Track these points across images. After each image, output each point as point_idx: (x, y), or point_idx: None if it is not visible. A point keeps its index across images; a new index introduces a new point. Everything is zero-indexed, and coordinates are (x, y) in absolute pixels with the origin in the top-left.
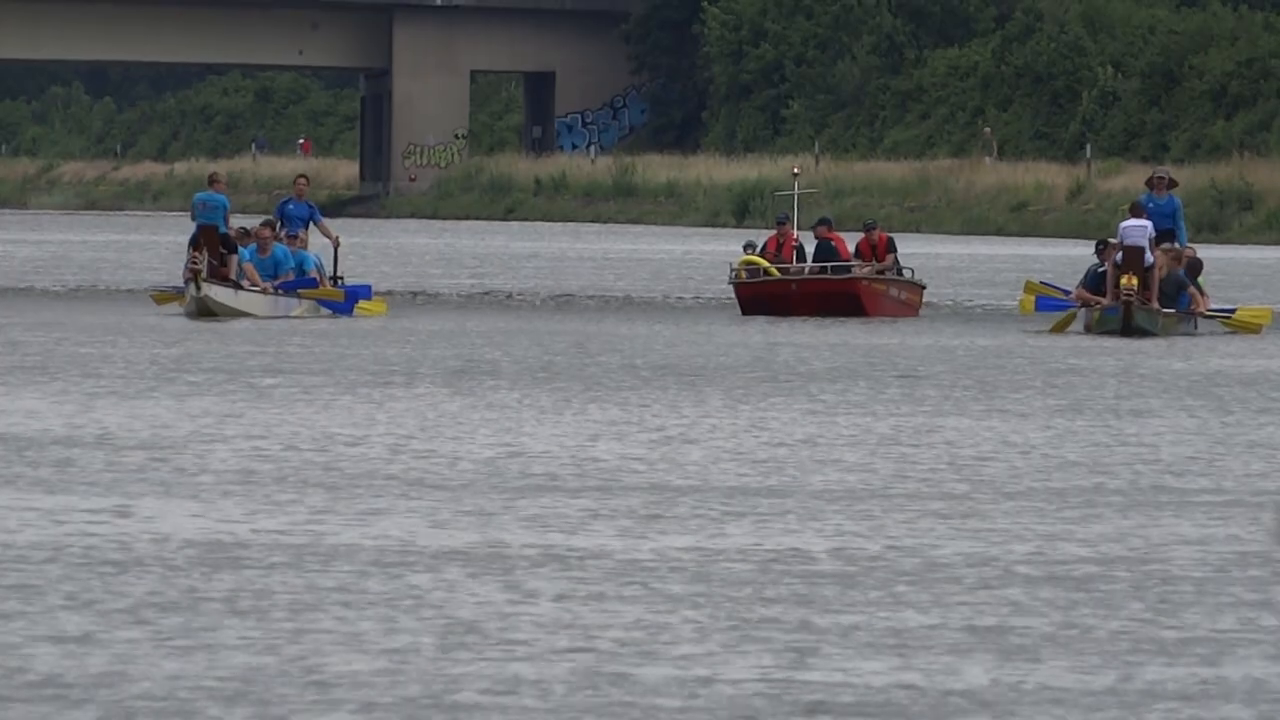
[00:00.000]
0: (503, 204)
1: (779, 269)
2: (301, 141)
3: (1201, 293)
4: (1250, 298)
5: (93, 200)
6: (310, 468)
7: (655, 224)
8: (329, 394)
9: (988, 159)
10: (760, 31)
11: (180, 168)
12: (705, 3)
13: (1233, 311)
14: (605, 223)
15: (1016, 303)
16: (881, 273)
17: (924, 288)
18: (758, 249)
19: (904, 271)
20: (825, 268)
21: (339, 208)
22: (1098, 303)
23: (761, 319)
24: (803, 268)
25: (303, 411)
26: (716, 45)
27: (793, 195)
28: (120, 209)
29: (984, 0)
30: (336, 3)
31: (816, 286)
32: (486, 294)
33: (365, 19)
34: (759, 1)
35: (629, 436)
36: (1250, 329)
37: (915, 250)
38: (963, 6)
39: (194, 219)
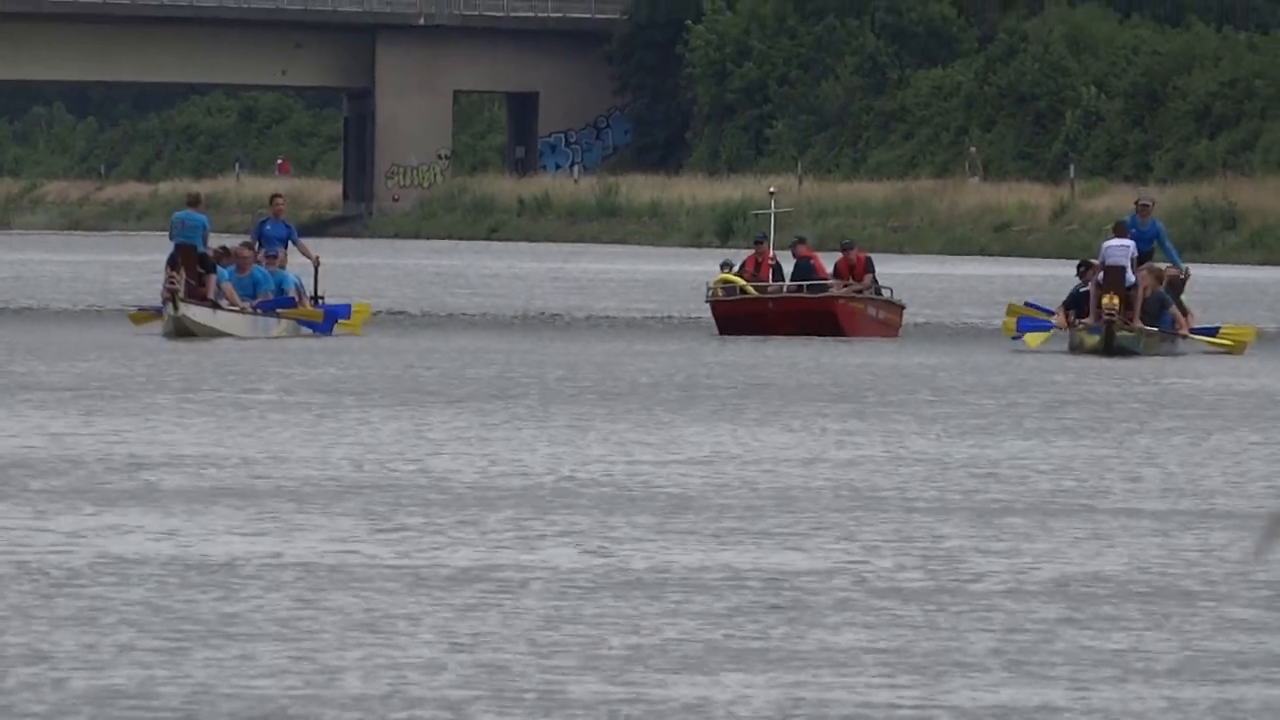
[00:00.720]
0: (486, 224)
1: (756, 287)
2: (280, 162)
3: (1185, 311)
4: (1234, 317)
5: (77, 220)
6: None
7: (639, 244)
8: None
9: (974, 179)
10: (744, 52)
11: (164, 187)
12: (689, 23)
13: (1215, 330)
14: (589, 243)
15: (1000, 324)
16: (860, 292)
17: (903, 308)
18: (734, 268)
19: (883, 291)
20: (802, 286)
21: (322, 228)
22: (1080, 324)
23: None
24: (780, 286)
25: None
26: (700, 65)
27: (770, 214)
28: (104, 229)
29: (967, 21)
30: (320, 23)
31: (793, 305)
32: (451, 315)
33: (348, 39)
34: (742, 22)
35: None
36: (1234, 348)
37: (896, 270)
38: (946, 27)
39: (172, 238)
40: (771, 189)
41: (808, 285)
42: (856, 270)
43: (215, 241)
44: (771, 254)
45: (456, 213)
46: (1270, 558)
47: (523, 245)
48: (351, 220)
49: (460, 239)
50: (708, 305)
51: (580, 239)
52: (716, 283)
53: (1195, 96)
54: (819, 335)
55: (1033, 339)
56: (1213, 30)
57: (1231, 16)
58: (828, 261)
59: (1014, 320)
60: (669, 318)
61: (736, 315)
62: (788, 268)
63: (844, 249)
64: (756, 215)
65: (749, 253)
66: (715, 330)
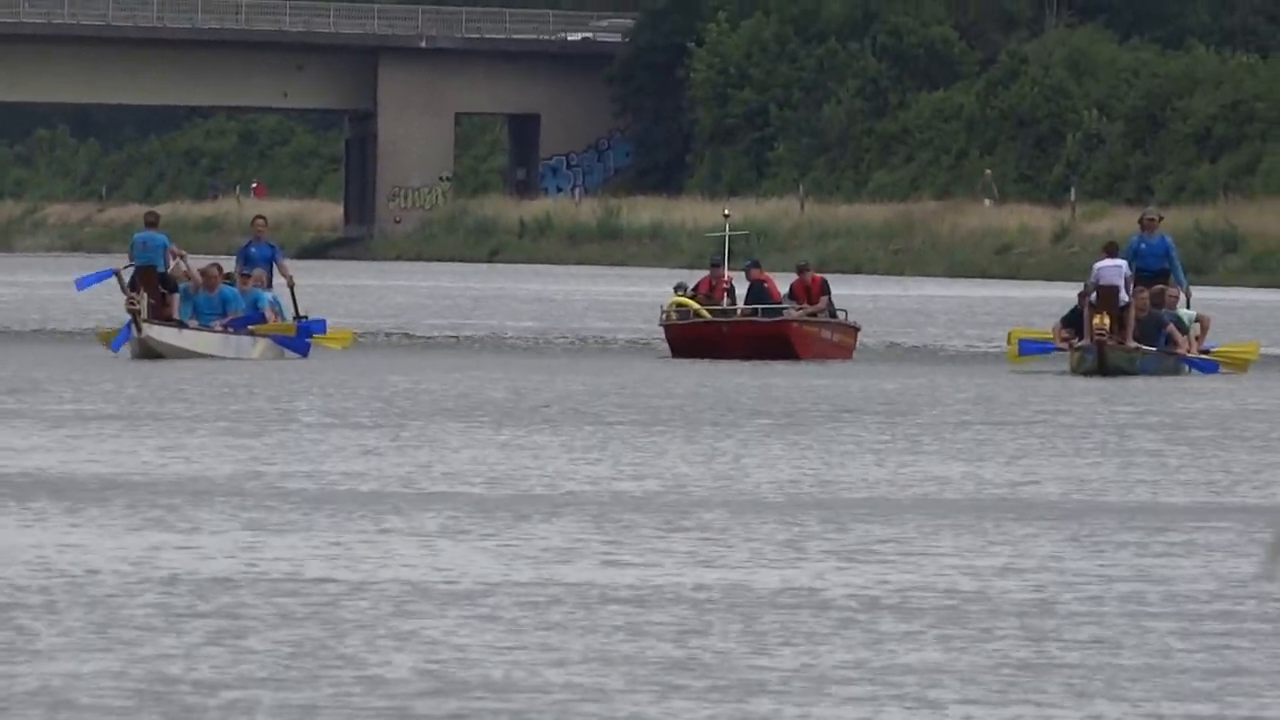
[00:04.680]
0: (487, 246)
1: (710, 310)
2: (255, 185)
3: (1184, 331)
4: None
5: (78, 242)
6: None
7: (640, 266)
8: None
9: (988, 201)
10: (745, 75)
11: (165, 210)
12: (690, 45)
13: (1208, 352)
14: (590, 265)
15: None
16: (814, 314)
17: (858, 329)
18: (688, 290)
19: (838, 314)
20: (757, 310)
21: (323, 250)
22: (1078, 344)
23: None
24: (734, 309)
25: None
26: (701, 88)
27: (724, 237)
28: (105, 251)
29: (968, 44)
30: (321, 45)
31: (747, 329)
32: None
33: (350, 61)
34: (743, 45)
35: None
36: (1237, 366)
37: (896, 293)
38: (947, 50)
39: (132, 259)
40: (726, 211)
41: (762, 309)
42: (812, 292)
43: (203, 262)
44: (727, 277)
45: (458, 235)
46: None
47: (523, 267)
48: (353, 242)
49: (461, 261)
50: (661, 329)
51: (581, 261)
52: (670, 306)
53: (1196, 119)
54: (772, 359)
55: (1013, 354)
56: (1213, 53)
57: (1232, 39)
58: (783, 284)
59: (1015, 346)
60: (615, 341)
61: (690, 338)
62: (741, 291)
63: (799, 271)
64: (709, 237)
65: (704, 274)
66: (668, 353)
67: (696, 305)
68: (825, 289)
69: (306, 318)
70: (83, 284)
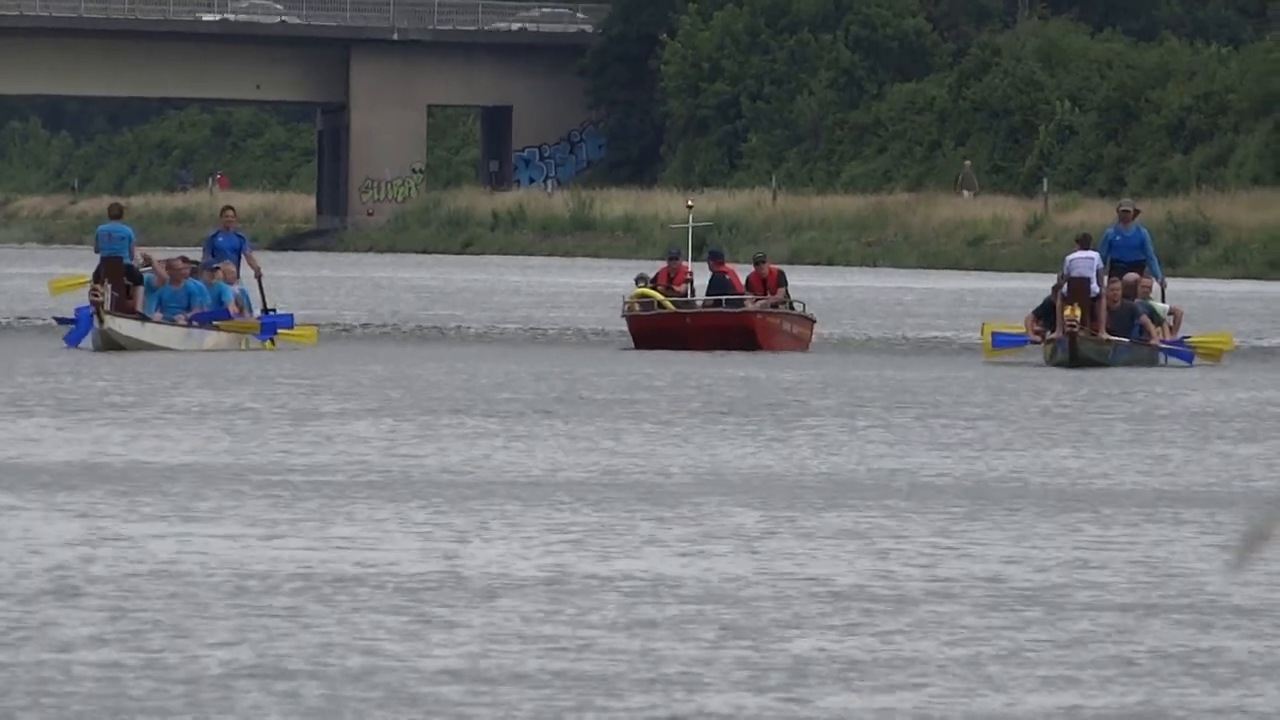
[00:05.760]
0: (460, 238)
1: (673, 302)
2: (217, 176)
3: (1159, 322)
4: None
5: (51, 234)
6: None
7: (613, 258)
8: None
9: (966, 193)
10: (717, 67)
11: (138, 201)
12: (663, 37)
13: (1182, 341)
14: (563, 257)
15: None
16: (776, 306)
17: (814, 321)
18: (649, 281)
19: (795, 305)
20: (720, 301)
21: (296, 242)
22: (1050, 336)
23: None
24: (696, 301)
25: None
26: (673, 80)
27: (687, 229)
28: (79, 243)
29: (941, 35)
30: (294, 37)
31: (711, 320)
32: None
33: (323, 53)
34: (716, 37)
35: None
36: (1211, 356)
37: (870, 284)
38: (920, 41)
39: (97, 251)
40: (689, 203)
41: (726, 300)
42: (769, 284)
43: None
44: (689, 269)
45: (431, 227)
46: (1246, 569)
47: (496, 258)
48: (326, 234)
49: (434, 253)
50: (624, 319)
51: (554, 253)
52: (633, 297)
53: (1169, 111)
54: (736, 350)
55: (988, 347)
56: (1186, 44)
57: (1204, 31)
58: (742, 275)
59: (989, 339)
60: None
61: (653, 329)
62: (702, 282)
63: (756, 262)
64: (672, 228)
65: (662, 265)
66: (631, 344)
67: (660, 296)
68: (782, 280)
69: (274, 310)
70: (73, 340)
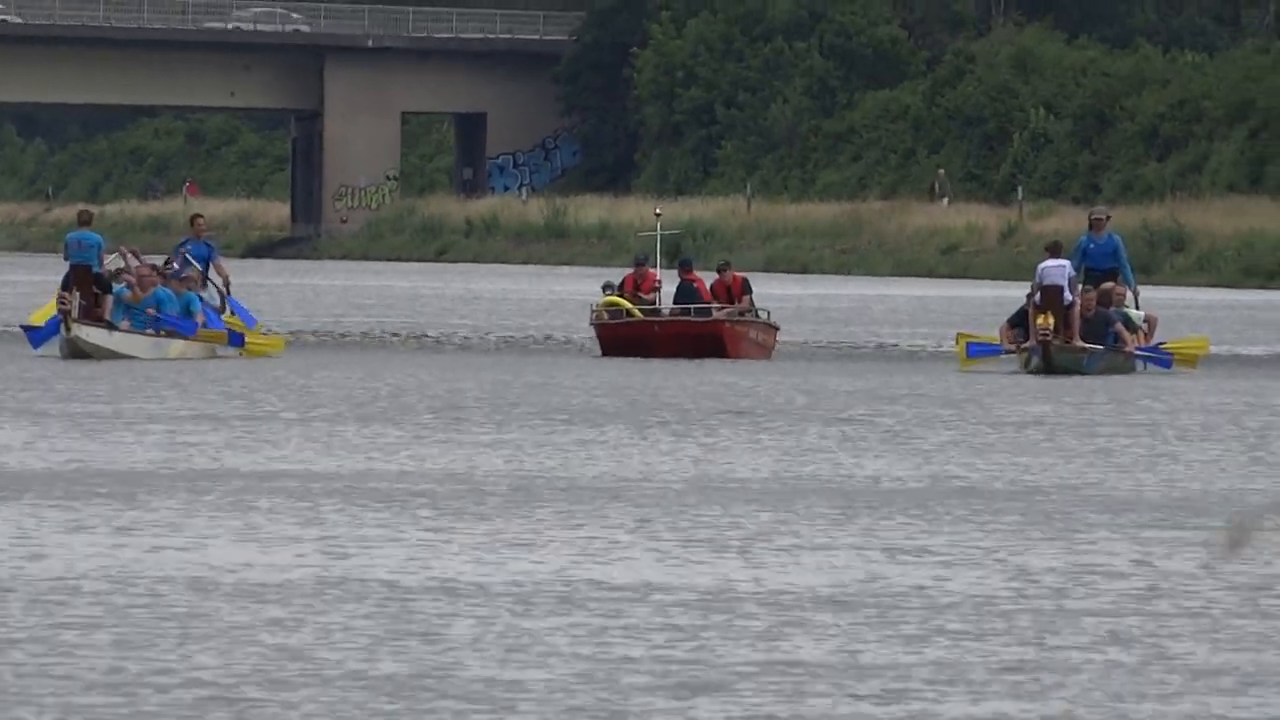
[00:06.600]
0: (434, 245)
1: (642, 310)
2: (187, 184)
3: (1132, 330)
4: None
5: (25, 241)
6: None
7: (587, 265)
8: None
9: (943, 200)
10: (691, 74)
11: (112, 209)
12: (635, 50)
13: (1158, 347)
14: (537, 264)
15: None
16: (743, 314)
17: (778, 329)
18: (616, 289)
19: (760, 313)
20: (688, 309)
21: (270, 249)
22: (1024, 345)
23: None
24: (663, 309)
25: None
26: (647, 88)
27: (655, 235)
28: (53, 250)
29: (915, 43)
30: (268, 44)
31: (679, 328)
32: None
33: (297, 61)
34: (689, 45)
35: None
36: (1188, 361)
37: (845, 292)
38: (894, 49)
39: (66, 258)
40: (658, 210)
41: (694, 309)
42: (733, 291)
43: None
44: (658, 276)
45: (405, 234)
46: (1231, 564)
47: (470, 266)
48: (299, 242)
49: (408, 260)
50: (592, 328)
51: (528, 260)
52: (602, 305)
53: (1143, 118)
54: (703, 357)
55: (963, 357)
56: (1160, 52)
57: (1179, 39)
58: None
59: (963, 348)
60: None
61: (621, 337)
62: (669, 289)
63: (720, 270)
64: (641, 235)
65: (629, 272)
66: (599, 351)
67: (628, 304)
68: (747, 288)
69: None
70: (37, 340)
